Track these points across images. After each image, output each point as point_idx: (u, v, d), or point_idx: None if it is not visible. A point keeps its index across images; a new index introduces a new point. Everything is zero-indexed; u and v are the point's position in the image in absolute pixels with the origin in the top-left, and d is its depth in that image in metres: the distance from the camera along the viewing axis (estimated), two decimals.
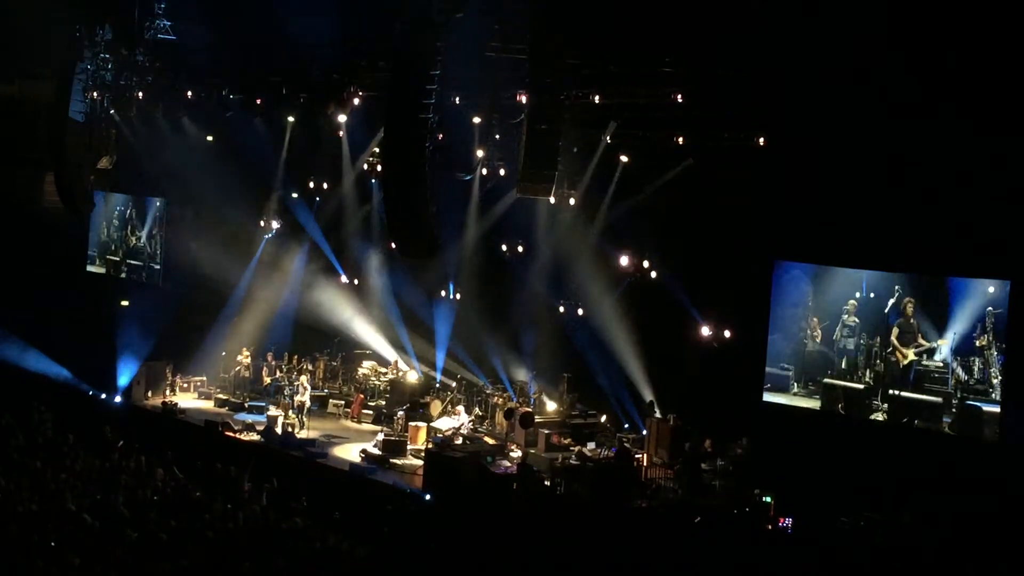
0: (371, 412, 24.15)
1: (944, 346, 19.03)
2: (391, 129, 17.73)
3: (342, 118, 23.20)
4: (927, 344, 19.26)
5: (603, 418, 22.64)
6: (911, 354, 19.45)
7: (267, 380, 25.64)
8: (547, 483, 18.83)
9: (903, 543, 16.16)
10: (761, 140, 18.93)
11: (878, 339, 19.98)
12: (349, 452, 21.27)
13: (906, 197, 17.67)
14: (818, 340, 20.75)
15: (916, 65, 15.82)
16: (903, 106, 16.59)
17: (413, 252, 18.22)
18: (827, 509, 17.03)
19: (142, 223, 29.98)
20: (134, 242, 30.30)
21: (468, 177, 23.59)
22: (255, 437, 22.08)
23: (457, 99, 21.28)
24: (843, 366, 20.33)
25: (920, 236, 18.04)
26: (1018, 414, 17.52)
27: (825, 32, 15.92)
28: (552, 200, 21.06)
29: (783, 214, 19.35)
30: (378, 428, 22.99)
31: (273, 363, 26.05)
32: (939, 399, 19.03)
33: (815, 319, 20.72)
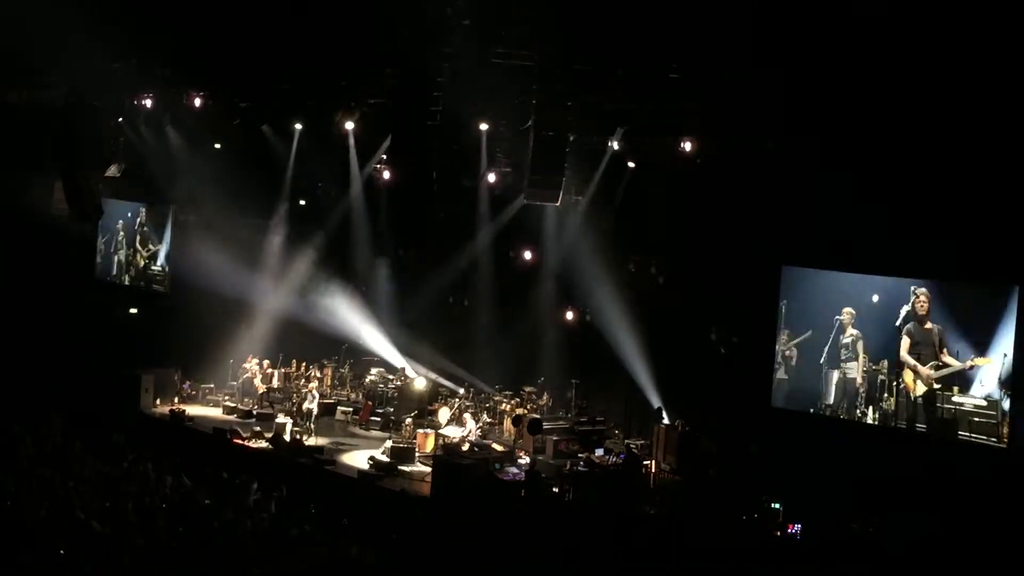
0: (379, 419, 24.16)
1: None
2: (399, 136, 17.77)
3: (350, 125, 23.26)
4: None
5: (611, 424, 22.65)
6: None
7: (274, 387, 25.67)
8: (555, 489, 18.82)
9: (914, 550, 16.09)
10: (770, 144, 18.89)
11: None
12: (357, 459, 21.26)
13: (918, 200, 17.39)
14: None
15: (923, 67, 15.78)
16: (910, 108, 16.53)
17: (419, 258, 18.24)
18: (837, 515, 16.97)
19: (159, 237, 29.68)
20: (143, 264, 30.13)
21: (475, 183, 23.62)
22: (264, 444, 22.09)
23: (464, 105, 21.30)
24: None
25: (935, 239, 17.28)
26: None
27: (832, 36, 15.89)
28: (560, 206, 21.08)
29: (791, 219, 19.28)
30: (386, 435, 23.00)
31: (281, 370, 26.07)
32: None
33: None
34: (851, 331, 17.65)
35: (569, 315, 23.47)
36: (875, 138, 17.27)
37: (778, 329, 19.03)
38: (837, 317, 17.81)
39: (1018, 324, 16.94)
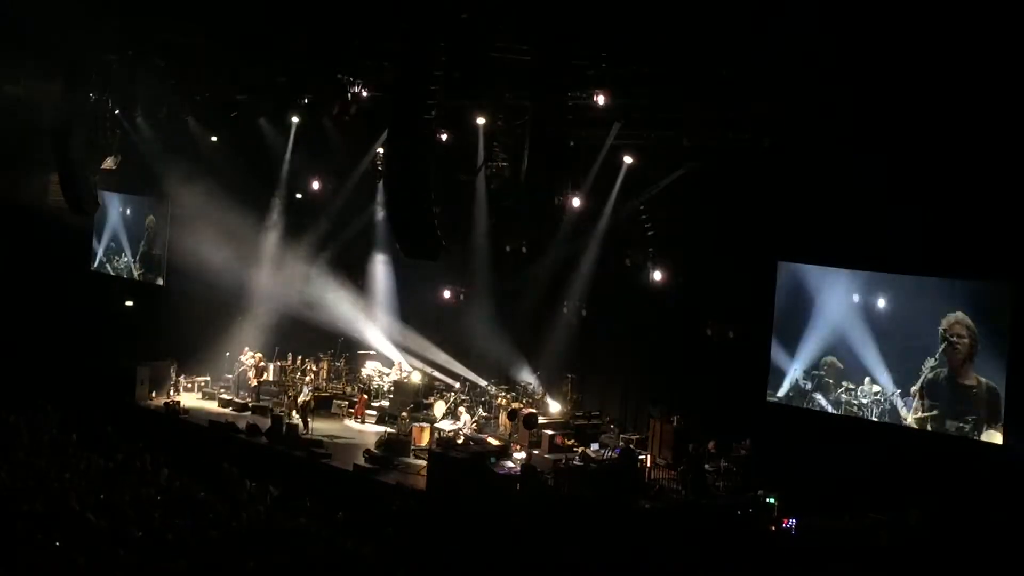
0: (375, 413, 24.17)
1: None
2: (396, 129, 17.76)
3: (347, 118, 23.23)
4: None
5: (607, 419, 22.67)
6: None
7: (270, 380, 25.67)
8: (551, 484, 18.83)
9: (908, 543, 16.14)
10: (766, 141, 18.88)
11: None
12: (352, 453, 21.27)
13: (918, 196, 17.40)
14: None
15: (922, 64, 15.78)
16: (909, 105, 16.52)
17: (417, 253, 18.23)
18: (831, 509, 17.01)
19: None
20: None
21: (472, 178, 23.60)
22: (259, 437, 22.10)
23: (462, 100, 21.28)
24: None
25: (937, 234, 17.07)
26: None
27: (829, 31, 15.89)
28: (556, 201, 21.07)
29: (787, 214, 19.28)
30: (382, 428, 23.01)
31: (277, 363, 26.07)
32: None
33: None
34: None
35: (565, 309, 23.38)
36: (873, 135, 17.28)
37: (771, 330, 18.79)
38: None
39: (1016, 323, 16.86)
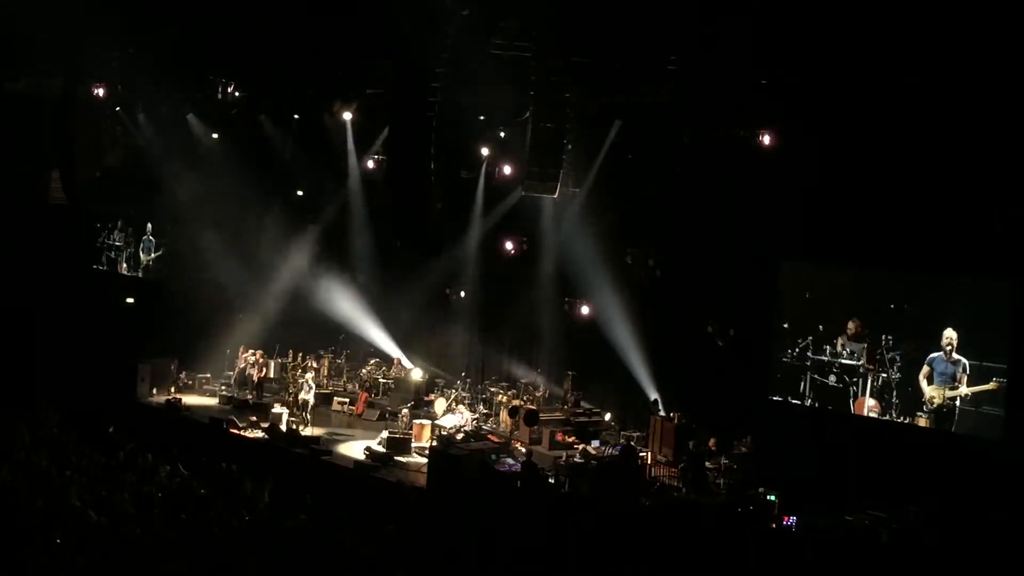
0: (376, 410, 24.18)
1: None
2: (397, 126, 17.77)
3: (348, 115, 23.23)
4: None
5: (607, 416, 22.67)
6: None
7: (272, 377, 25.67)
8: (551, 481, 18.84)
9: (908, 541, 16.14)
10: (766, 138, 18.87)
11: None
12: (353, 450, 21.28)
13: (915, 193, 17.44)
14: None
15: (922, 62, 15.78)
16: (908, 102, 16.51)
17: (418, 249, 18.24)
18: (832, 507, 17.01)
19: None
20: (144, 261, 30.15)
21: (473, 175, 23.60)
22: (260, 435, 22.10)
23: (462, 97, 21.29)
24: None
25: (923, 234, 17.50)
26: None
27: (830, 29, 15.89)
28: (557, 198, 21.06)
29: (790, 212, 19.27)
30: (382, 425, 23.02)
31: (278, 360, 26.06)
32: None
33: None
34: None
35: (565, 306, 23.43)
36: (873, 132, 17.28)
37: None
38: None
39: (1016, 323, 17.07)
